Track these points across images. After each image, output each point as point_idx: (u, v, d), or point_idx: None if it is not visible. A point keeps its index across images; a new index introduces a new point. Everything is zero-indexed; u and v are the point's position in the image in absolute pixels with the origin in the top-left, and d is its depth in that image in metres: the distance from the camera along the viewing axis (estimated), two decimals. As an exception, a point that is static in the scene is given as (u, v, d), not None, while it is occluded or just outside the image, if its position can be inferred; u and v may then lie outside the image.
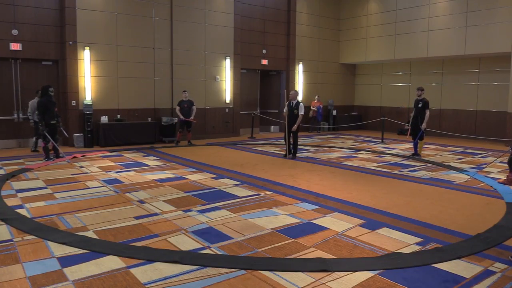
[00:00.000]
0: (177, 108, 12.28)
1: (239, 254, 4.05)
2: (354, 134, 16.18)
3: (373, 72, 18.32)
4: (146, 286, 3.36)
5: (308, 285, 3.42)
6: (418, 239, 4.49)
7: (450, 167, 8.95)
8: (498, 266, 3.82)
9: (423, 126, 9.89)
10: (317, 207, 5.73)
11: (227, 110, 14.71)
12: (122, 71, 12.41)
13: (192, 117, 12.34)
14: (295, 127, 9.70)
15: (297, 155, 10.26)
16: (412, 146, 10.74)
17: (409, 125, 10.29)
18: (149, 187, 6.82)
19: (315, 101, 16.83)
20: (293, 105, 9.79)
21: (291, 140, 10.07)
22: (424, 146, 12.46)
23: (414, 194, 6.60)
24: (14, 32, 10.94)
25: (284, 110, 10.06)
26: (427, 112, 9.91)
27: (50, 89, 8.98)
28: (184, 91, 12.46)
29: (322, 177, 7.84)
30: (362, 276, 3.58)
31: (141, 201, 5.95)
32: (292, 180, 7.51)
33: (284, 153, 10.41)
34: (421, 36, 15.06)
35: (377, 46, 16.78)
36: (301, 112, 9.65)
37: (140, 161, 9.48)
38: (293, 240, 4.44)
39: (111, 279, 3.48)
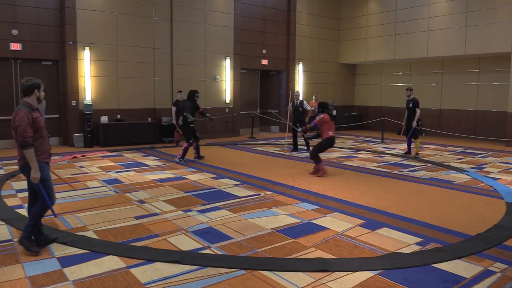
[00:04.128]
0: (173, 108, 11.90)
1: (239, 254, 4.05)
2: (354, 134, 16.19)
3: (373, 72, 18.32)
4: (146, 286, 3.36)
5: (308, 285, 3.42)
6: (418, 239, 4.49)
7: (450, 167, 8.95)
8: (498, 266, 3.82)
9: (414, 124, 10.08)
10: (317, 207, 5.73)
11: (227, 110, 14.71)
12: (122, 71, 12.41)
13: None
14: (307, 119, 11.08)
15: (297, 155, 10.55)
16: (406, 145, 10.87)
17: (404, 124, 10.52)
18: (149, 187, 6.82)
19: (313, 101, 16.81)
20: (297, 104, 10.85)
21: (296, 136, 11.12)
22: (424, 146, 12.49)
23: (414, 194, 6.60)
24: (14, 32, 10.94)
25: (289, 109, 11.25)
26: (418, 111, 10.12)
27: (196, 94, 9.39)
28: (180, 91, 12.16)
29: (322, 177, 7.84)
30: (362, 276, 3.58)
31: (141, 201, 5.95)
32: (292, 180, 7.51)
33: (292, 148, 11.25)
34: (421, 36, 15.06)
35: (377, 46, 16.78)
36: (308, 108, 11.02)
37: (140, 161, 9.48)
38: (293, 240, 4.44)
39: (111, 279, 3.48)
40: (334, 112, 17.49)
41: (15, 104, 11.23)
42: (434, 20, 14.69)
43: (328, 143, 7.97)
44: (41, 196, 3.99)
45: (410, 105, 10.23)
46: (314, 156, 7.97)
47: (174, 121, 12.08)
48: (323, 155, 10.58)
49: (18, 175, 7.66)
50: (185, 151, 9.29)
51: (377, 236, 4.58)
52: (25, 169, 3.96)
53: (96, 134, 11.86)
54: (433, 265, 3.81)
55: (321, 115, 7.90)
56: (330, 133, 7.90)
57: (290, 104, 11.03)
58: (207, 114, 9.78)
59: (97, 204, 5.78)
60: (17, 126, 3.83)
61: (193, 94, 9.42)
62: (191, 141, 9.31)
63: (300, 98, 11.22)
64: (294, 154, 10.74)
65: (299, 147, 11.27)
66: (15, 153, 4.62)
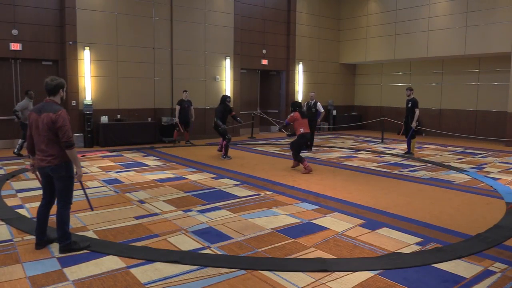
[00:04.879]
0: (177, 107, 12.33)
1: (239, 254, 4.05)
2: (354, 134, 16.18)
3: (373, 72, 18.32)
4: (146, 286, 3.36)
5: (308, 285, 3.42)
6: (418, 239, 4.49)
7: (450, 167, 8.95)
8: (498, 266, 3.82)
9: (413, 124, 10.13)
10: (317, 207, 5.73)
11: (227, 110, 14.68)
12: (122, 71, 12.41)
13: (193, 118, 12.70)
14: (318, 121, 11.47)
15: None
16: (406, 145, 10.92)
17: (403, 124, 10.60)
18: (149, 187, 6.82)
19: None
20: (311, 104, 11.31)
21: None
22: (424, 146, 12.52)
23: (414, 194, 6.60)
24: (14, 32, 10.94)
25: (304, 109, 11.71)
26: (416, 111, 10.15)
27: (227, 99, 10.01)
28: (185, 91, 12.53)
29: (322, 177, 7.84)
30: (362, 276, 3.58)
31: (141, 201, 5.95)
32: (292, 180, 7.51)
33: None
34: (421, 36, 15.06)
35: (377, 46, 16.78)
36: (322, 109, 11.38)
37: (140, 161, 9.48)
38: (293, 240, 4.44)
39: (111, 279, 3.48)
40: (334, 112, 17.53)
41: (15, 104, 11.21)
42: (434, 20, 14.69)
43: (302, 140, 8.45)
44: (64, 198, 4.01)
45: (409, 105, 10.29)
46: (296, 156, 8.41)
47: (177, 120, 12.34)
48: (323, 155, 10.62)
49: (18, 175, 7.66)
50: (226, 148, 9.85)
51: (377, 236, 4.58)
52: (58, 168, 3.94)
53: (96, 134, 11.86)
54: (433, 265, 3.81)
55: (292, 114, 8.48)
56: (302, 130, 8.38)
57: (305, 104, 11.53)
58: (238, 118, 10.45)
59: (97, 204, 5.77)
60: (62, 126, 3.86)
61: (224, 99, 9.95)
62: (227, 137, 9.76)
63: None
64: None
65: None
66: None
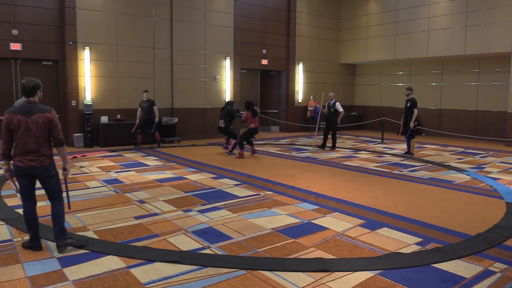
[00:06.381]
0: (139, 109, 11.58)
1: (239, 254, 4.05)
2: (354, 134, 16.19)
3: (373, 72, 18.32)
4: (146, 286, 3.36)
5: (308, 285, 3.42)
6: (418, 239, 4.49)
7: (450, 167, 8.95)
8: (498, 266, 3.82)
9: (411, 124, 10.17)
10: (317, 207, 5.73)
11: (227, 110, 14.68)
12: (122, 71, 12.41)
13: (157, 119, 11.54)
14: (338, 121, 11.62)
15: (297, 155, 10.52)
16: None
17: (401, 123, 10.65)
18: (149, 187, 6.82)
19: (311, 101, 16.81)
20: (331, 104, 11.56)
21: (329, 133, 11.78)
22: (424, 146, 12.52)
23: (414, 194, 6.60)
24: (14, 32, 10.94)
25: (325, 109, 11.95)
26: (415, 111, 10.16)
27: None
28: (145, 91, 11.71)
29: (322, 177, 7.84)
30: (362, 276, 3.58)
31: (141, 201, 5.95)
32: (292, 180, 7.51)
33: (320, 145, 11.96)
34: (421, 36, 15.06)
35: (377, 46, 16.78)
36: (341, 109, 11.55)
37: (140, 161, 9.48)
38: (293, 240, 4.44)
39: (111, 279, 3.48)
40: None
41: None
42: (434, 20, 14.69)
43: (250, 132, 10.24)
44: (58, 195, 4.13)
45: (408, 105, 10.30)
46: (240, 143, 10.10)
47: (137, 122, 11.45)
48: (323, 155, 10.63)
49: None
50: (234, 146, 10.43)
51: (377, 236, 4.58)
52: (50, 168, 4.03)
53: (96, 134, 11.85)
54: (433, 265, 3.81)
55: (244, 113, 10.33)
56: (252, 125, 10.20)
57: (326, 104, 11.89)
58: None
59: (97, 204, 5.77)
60: (57, 124, 4.03)
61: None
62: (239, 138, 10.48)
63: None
64: (294, 154, 10.76)
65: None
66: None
